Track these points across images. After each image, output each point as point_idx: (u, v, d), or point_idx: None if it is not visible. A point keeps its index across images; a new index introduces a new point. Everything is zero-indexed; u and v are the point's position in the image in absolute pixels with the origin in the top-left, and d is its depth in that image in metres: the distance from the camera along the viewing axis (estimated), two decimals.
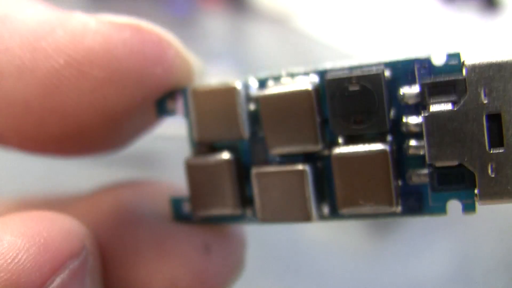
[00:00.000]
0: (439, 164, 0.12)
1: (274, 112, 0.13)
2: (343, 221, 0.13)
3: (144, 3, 0.64)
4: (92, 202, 0.15)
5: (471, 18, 0.61)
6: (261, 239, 0.60)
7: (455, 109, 0.11)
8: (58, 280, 0.11)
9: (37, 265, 0.11)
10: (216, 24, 0.68)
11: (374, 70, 0.12)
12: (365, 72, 0.12)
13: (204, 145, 0.14)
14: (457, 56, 0.12)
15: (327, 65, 0.13)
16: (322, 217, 0.13)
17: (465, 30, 0.59)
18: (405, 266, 0.56)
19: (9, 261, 0.10)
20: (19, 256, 0.10)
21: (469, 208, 0.12)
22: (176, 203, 0.14)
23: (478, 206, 0.12)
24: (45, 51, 0.12)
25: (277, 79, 0.13)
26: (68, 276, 0.11)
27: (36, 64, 0.12)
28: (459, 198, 0.12)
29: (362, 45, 0.64)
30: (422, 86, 0.12)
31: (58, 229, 0.11)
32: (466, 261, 0.56)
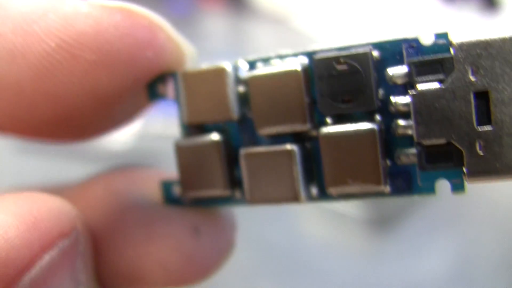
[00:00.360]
0: (426, 142, 0.12)
1: (262, 93, 0.13)
2: (332, 202, 0.13)
3: (144, 3, 0.64)
4: (84, 188, 0.15)
5: (471, 18, 0.61)
6: (261, 238, 0.60)
7: (443, 87, 0.11)
8: (47, 258, 0.11)
9: (26, 243, 0.11)
10: (216, 24, 0.68)
11: (361, 50, 0.12)
12: (353, 51, 0.12)
13: (194, 127, 0.14)
14: (445, 35, 0.12)
15: (316, 46, 0.13)
16: (310, 198, 0.13)
17: (465, 29, 0.59)
18: (405, 266, 0.56)
19: None
20: (9, 234, 0.11)
21: (458, 188, 0.12)
22: (166, 186, 0.14)
23: (468, 185, 0.12)
24: (37, 35, 0.12)
25: (266, 61, 0.13)
26: (58, 254, 0.11)
27: (28, 48, 0.12)
28: (448, 178, 0.12)
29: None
30: (410, 65, 0.12)
31: (49, 209, 0.12)
32: (466, 261, 0.55)
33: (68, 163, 0.50)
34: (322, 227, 0.63)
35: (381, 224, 0.61)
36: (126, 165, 0.16)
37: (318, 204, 0.65)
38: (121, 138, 0.54)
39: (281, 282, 0.56)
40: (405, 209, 0.62)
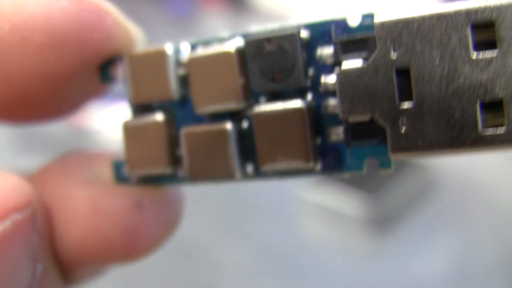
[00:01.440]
0: (351, 119, 0.12)
1: (200, 73, 0.13)
2: (268, 180, 0.13)
3: (144, 3, 0.66)
4: (42, 170, 0.15)
5: None
6: (261, 238, 0.60)
7: (366, 65, 0.12)
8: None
9: None
10: (216, 24, 0.69)
11: (290, 31, 0.12)
12: (282, 32, 0.12)
13: (141, 108, 0.14)
14: (371, 16, 0.12)
15: (252, 28, 0.13)
16: (246, 176, 0.13)
17: None
18: (405, 266, 0.56)
19: None
20: None
21: (385, 165, 0.12)
22: (117, 166, 0.15)
23: (393, 161, 0.12)
24: None
25: (207, 43, 0.14)
26: (11, 227, 0.12)
27: None
28: (376, 155, 0.12)
29: None
30: (336, 45, 0.12)
31: (3, 184, 0.12)
32: (466, 261, 0.55)
33: None
34: (322, 227, 0.63)
35: (381, 224, 0.61)
36: (83, 149, 0.16)
37: (318, 203, 0.65)
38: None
39: (281, 282, 0.56)
40: (405, 209, 0.62)
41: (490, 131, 0.11)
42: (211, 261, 0.56)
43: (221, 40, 0.13)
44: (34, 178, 0.15)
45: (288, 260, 0.59)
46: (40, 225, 0.13)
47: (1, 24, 0.13)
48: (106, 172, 0.15)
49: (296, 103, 0.12)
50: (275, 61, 0.12)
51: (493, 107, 0.11)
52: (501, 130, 0.11)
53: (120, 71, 0.15)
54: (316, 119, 0.13)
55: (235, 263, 0.57)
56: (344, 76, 0.12)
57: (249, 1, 0.70)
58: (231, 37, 0.13)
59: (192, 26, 0.67)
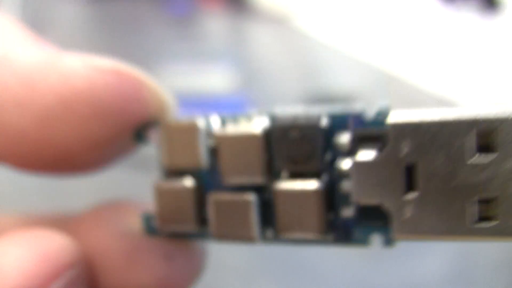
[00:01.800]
0: (362, 202, 0.14)
1: (228, 149, 0.15)
2: (285, 245, 0.15)
3: (144, 3, 0.65)
4: (80, 221, 0.17)
5: (471, 18, 0.61)
6: None
7: (378, 157, 0.13)
8: (56, 287, 0.13)
9: (38, 274, 0.13)
10: (216, 24, 0.69)
11: (313, 120, 0.14)
12: (305, 121, 0.14)
13: (171, 171, 0.16)
14: (386, 113, 0.14)
15: (278, 109, 0.15)
16: (266, 240, 0.15)
17: (465, 30, 0.59)
18: (405, 266, 0.57)
19: (15, 270, 0.13)
20: (23, 266, 0.13)
21: (388, 242, 0.14)
22: (146, 219, 0.16)
23: (395, 241, 0.14)
24: (40, 91, 0.14)
25: (235, 119, 0.15)
26: (66, 283, 0.14)
27: (32, 102, 0.14)
28: (380, 233, 0.14)
29: (361, 45, 0.65)
30: (353, 137, 0.14)
31: (56, 244, 0.14)
32: (466, 261, 0.56)
33: None
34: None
35: None
36: (115, 200, 0.18)
37: None
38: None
39: (281, 282, 0.58)
40: None
41: (484, 225, 0.13)
42: (211, 261, 0.58)
43: (249, 118, 0.15)
44: (74, 229, 0.16)
45: (288, 260, 0.61)
46: (84, 278, 0.15)
47: (49, 96, 0.14)
48: (136, 223, 0.17)
49: (314, 184, 0.14)
50: (298, 146, 0.14)
51: (488, 203, 0.13)
52: (494, 224, 0.13)
53: (154, 135, 0.16)
54: (330, 197, 0.14)
55: (234, 262, 0.58)
56: (359, 165, 0.13)
57: (249, 1, 0.70)
58: (258, 115, 0.15)
59: (192, 26, 0.67)
